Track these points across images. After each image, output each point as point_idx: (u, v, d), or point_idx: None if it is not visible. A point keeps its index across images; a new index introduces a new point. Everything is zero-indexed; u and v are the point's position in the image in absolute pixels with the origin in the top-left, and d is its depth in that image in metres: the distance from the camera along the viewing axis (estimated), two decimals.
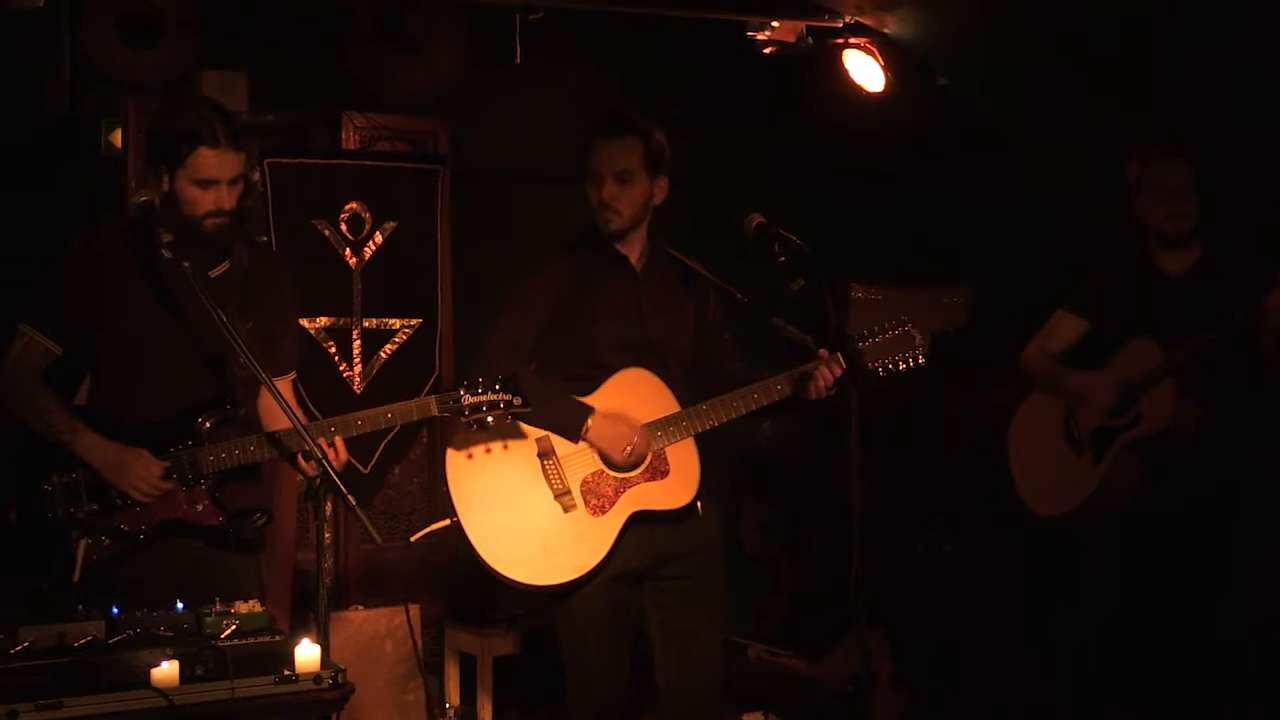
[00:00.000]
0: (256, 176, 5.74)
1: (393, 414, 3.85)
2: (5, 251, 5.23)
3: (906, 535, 5.95)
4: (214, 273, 3.85)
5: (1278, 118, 4.82)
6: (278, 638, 3.42)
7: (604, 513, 4.07)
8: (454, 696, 5.98)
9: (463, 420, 3.86)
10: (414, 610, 5.85)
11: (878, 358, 4.12)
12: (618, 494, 4.08)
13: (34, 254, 4.13)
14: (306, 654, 3.36)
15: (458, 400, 3.83)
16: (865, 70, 6.11)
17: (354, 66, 5.90)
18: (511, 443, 4.08)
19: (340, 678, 3.37)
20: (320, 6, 5.87)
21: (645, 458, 4.09)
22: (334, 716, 3.49)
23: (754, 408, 4.12)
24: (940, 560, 5.88)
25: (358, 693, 3.52)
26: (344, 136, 6.03)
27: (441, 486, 4.13)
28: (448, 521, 4.07)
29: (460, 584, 6.19)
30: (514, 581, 4.02)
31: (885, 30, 6.00)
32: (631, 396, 4.13)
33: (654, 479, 4.12)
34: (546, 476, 4.08)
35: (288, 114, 6.00)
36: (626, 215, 4.13)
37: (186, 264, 3.61)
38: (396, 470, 6.11)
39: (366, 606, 5.87)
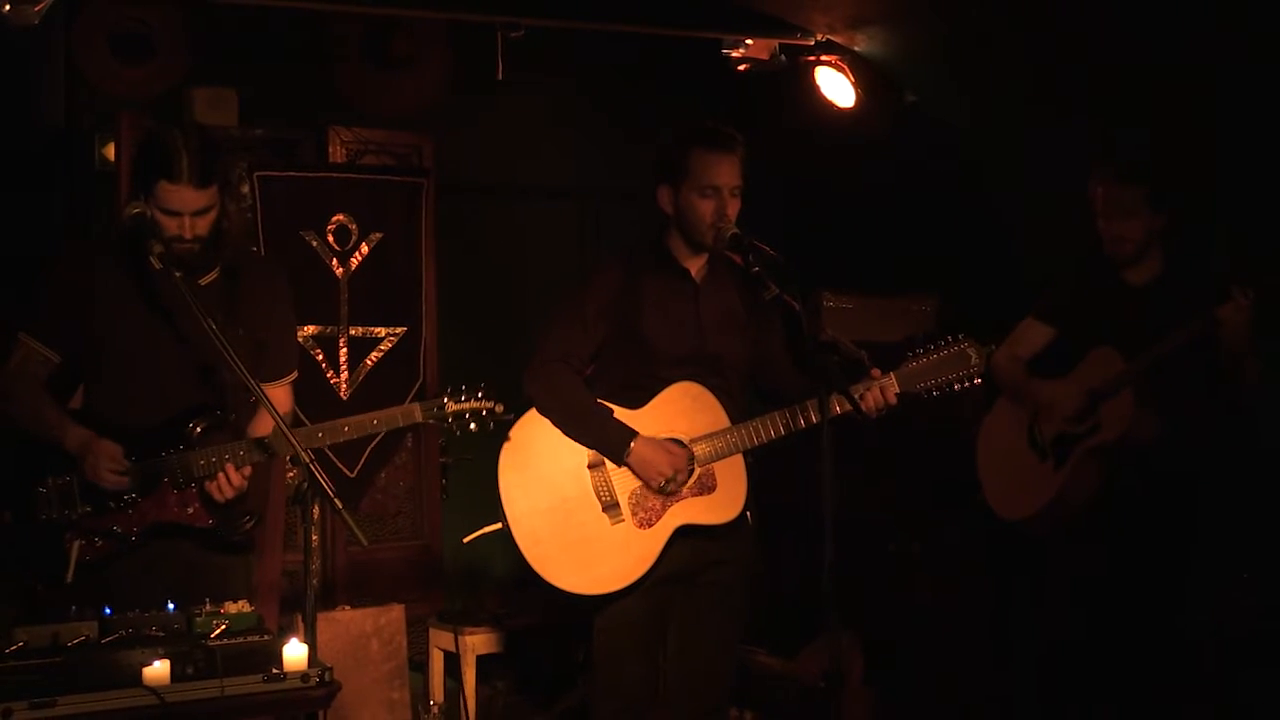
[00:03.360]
0: (246, 189, 5.85)
1: (379, 420, 3.91)
2: (2, 262, 5.35)
3: (877, 536, 6.02)
4: (204, 280, 3.92)
5: (1238, 134, 4.95)
6: (266, 637, 3.45)
7: (650, 526, 4.05)
8: (438, 694, 6.04)
9: (446, 427, 3.91)
10: (398, 610, 5.94)
11: (928, 378, 4.04)
12: (664, 508, 4.06)
13: (31, 265, 4.19)
14: (294, 653, 3.40)
15: (441, 407, 3.88)
16: (836, 87, 6.20)
17: (340, 84, 5.98)
18: (562, 452, 4.08)
19: (327, 676, 3.41)
20: (308, 26, 5.94)
21: (684, 485, 4.06)
22: (321, 714, 3.52)
23: (803, 425, 4.03)
24: (910, 560, 5.95)
25: (344, 690, 3.58)
26: (331, 150, 6.10)
27: (493, 490, 4.10)
28: (499, 525, 4.07)
29: (444, 584, 6.32)
30: (559, 589, 4.02)
31: (856, 48, 6.10)
32: (681, 411, 4.09)
33: (701, 494, 4.08)
34: (595, 488, 4.07)
35: (277, 129, 6.06)
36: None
37: (178, 273, 3.71)
38: (382, 474, 6.19)
39: (353, 606, 5.91)
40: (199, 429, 3.85)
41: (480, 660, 5.90)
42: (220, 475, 3.80)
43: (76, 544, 3.75)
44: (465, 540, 4.33)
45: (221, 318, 3.76)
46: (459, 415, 3.90)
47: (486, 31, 5.85)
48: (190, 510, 3.85)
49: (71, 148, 5.88)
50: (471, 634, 5.86)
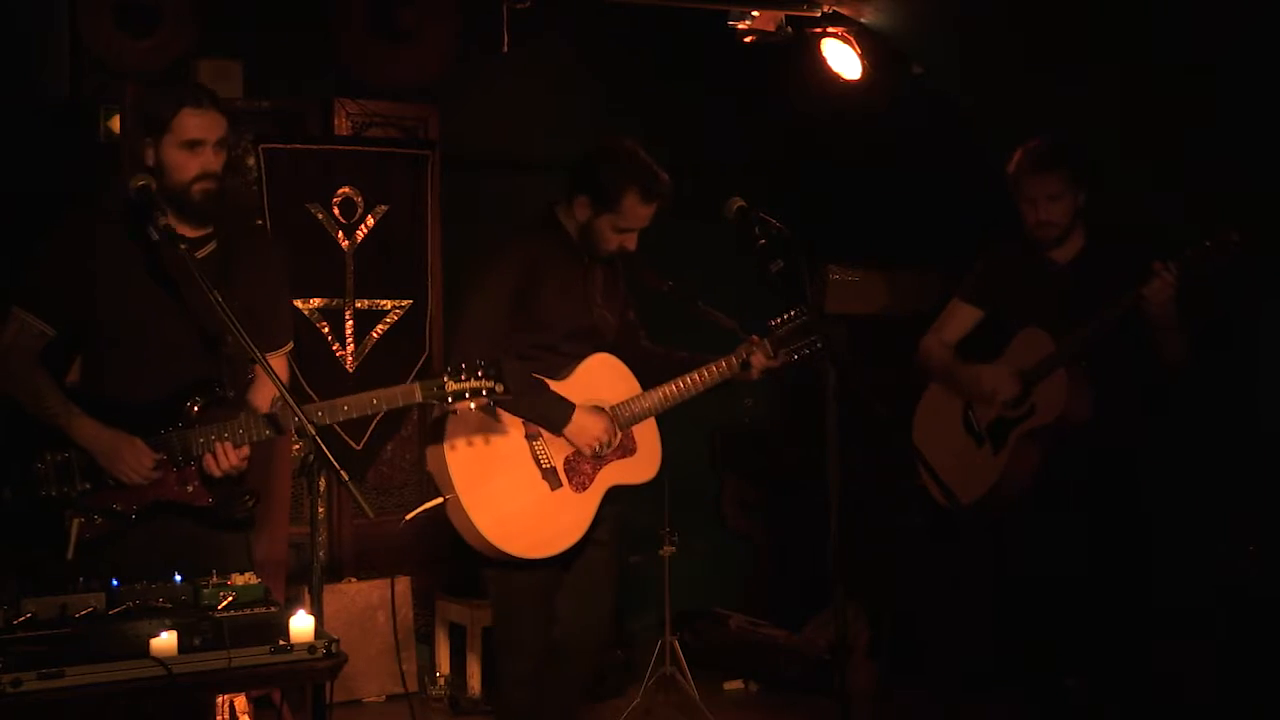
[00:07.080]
0: (251, 161, 5.85)
1: (379, 400, 3.88)
2: (5, 236, 5.34)
3: (883, 508, 6.02)
4: (200, 254, 3.89)
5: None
6: (273, 609, 3.48)
7: (585, 489, 4.34)
8: (444, 666, 6.10)
9: (445, 406, 3.92)
10: (404, 582, 5.98)
11: (793, 343, 4.43)
12: (595, 471, 4.36)
13: (33, 238, 4.20)
14: (301, 625, 3.43)
15: (441, 387, 3.88)
16: (843, 59, 6.15)
17: (345, 56, 5.97)
18: (503, 425, 4.26)
19: (333, 648, 3.44)
20: None
21: (610, 447, 4.36)
22: (327, 685, 3.54)
23: (707, 387, 4.44)
24: (914, 533, 5.96)
25: (351, 662, 3.59)
26: (337, 123, 6.11)
27: (437, 466, 4.23)
28: (441, 500, 4.21)
29: (450, 556, 6.33)
30: (512, 556, 4.20)
31: (862, 19, 6.05)
32: (602, 381, 4.40)
33: (624, 456, 4.44)
34: (535, 456, 4.29)
35: (282, 101, 6.08)
36: None
37: (183, 245, 3.70)
38: (388, 447, 6.23)
39: (359, 579, 5.99)
40: (196, 407, 3.83)
41: (486, 632, 5.91)
42: (217, 447, 3.78)
43: (76, 522, 3.73)
44: (407, 518, 4.42)
45: (219, 291, 3.72)
46: (459, 394, 3.90)
47: (492, 2, 5.84)
48: (190, 488, 3.84)
49: (75, 120, 5.85)
50: (477, 606, 5.89)
